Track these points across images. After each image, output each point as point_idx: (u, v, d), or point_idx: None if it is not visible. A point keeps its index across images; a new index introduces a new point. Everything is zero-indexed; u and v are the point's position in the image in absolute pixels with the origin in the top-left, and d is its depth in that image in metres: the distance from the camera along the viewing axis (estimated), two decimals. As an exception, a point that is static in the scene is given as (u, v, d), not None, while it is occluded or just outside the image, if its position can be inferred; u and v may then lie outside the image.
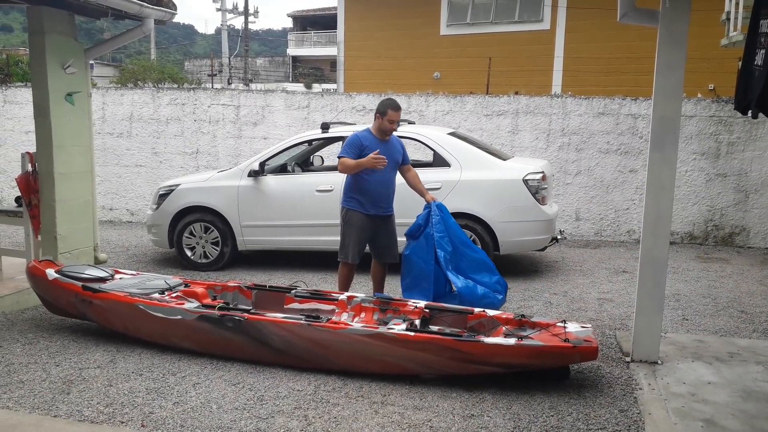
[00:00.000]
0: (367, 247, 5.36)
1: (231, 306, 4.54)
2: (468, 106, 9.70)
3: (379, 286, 5.40)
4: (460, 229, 5.32)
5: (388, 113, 5.13)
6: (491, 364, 3.90)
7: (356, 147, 5.10)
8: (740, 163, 8.95)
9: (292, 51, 41.88)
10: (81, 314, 4.81)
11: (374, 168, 4.98)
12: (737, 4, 7.77)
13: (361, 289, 5.94)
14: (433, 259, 5.08)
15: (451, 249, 5.11)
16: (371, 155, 4.96)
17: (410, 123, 7.44)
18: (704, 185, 9.08)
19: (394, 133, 5.53)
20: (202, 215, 7.16)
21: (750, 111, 3.55)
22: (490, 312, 4.50)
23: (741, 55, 3.68)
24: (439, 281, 5.12)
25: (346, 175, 5.23)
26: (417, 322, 4.37)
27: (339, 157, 5.14)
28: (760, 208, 8.91)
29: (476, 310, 4.53)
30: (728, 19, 8.17)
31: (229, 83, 29.67)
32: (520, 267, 7.42)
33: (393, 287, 5.80)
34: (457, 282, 4.95)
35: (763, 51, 3.40)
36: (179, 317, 4.38)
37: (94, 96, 9.96)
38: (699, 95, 9.49)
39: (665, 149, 4.20)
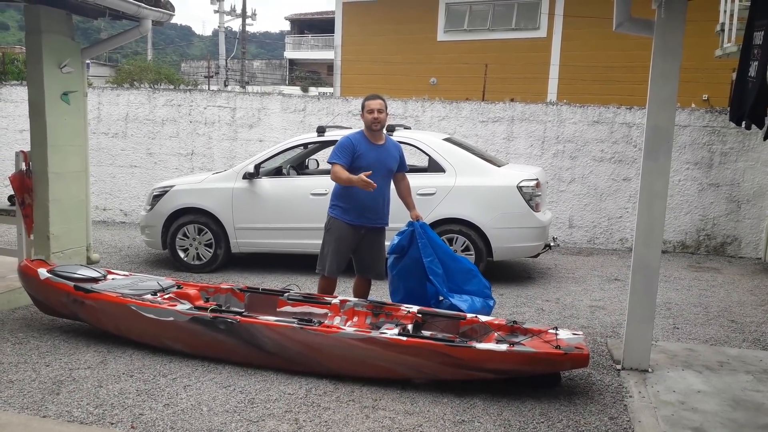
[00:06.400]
0: None
1: (223, 308, 4.53)
2: (464, 112, 9.73)
3: None
4: (443, 243, 5.19)
5: (365, 105, 4.89)
6: (482, 370, 3.90)
7: (348, 152, 4.80)
8: (733, 173, 9.00)
9: (289, 54, 41.88)
10: (72, 314, 4.79)
11: (363, 188, 4.62)
12: (731, 15, 7.84)
13: (351, 295, 5.91)
14: (424, 279, 4.92)
15: (442, 270, 4.93)
16: (363, 176, 4.57)
17: (406, 128, 7.45)
18: (697, 195, 9.13)
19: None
20: (195, 217, 7.15)
21: (744, 122, 3.60)
22: (483, 318, 4.51)
23: (735, 66, 3.73)
24: (429, 298, 5.03)
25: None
26: (409, 326, 4.37)
27: (330, 163, 4.83)
28: (751, 218, 8.96)
29: (468, 315, 4.54)
30: (722, 30, 8.24)
31: (226, 85, 29.66)
32: (513, 273, 7.43)
33: (382, 297, 5.79)
34: (462, 306, 4.80)
35: (756, 63, 3.44)
36: (171, 319, 4.37)
37: (90, 96, 9.95)
38: (693, 105, 9.55)
39: (659, 158, 4.23)
